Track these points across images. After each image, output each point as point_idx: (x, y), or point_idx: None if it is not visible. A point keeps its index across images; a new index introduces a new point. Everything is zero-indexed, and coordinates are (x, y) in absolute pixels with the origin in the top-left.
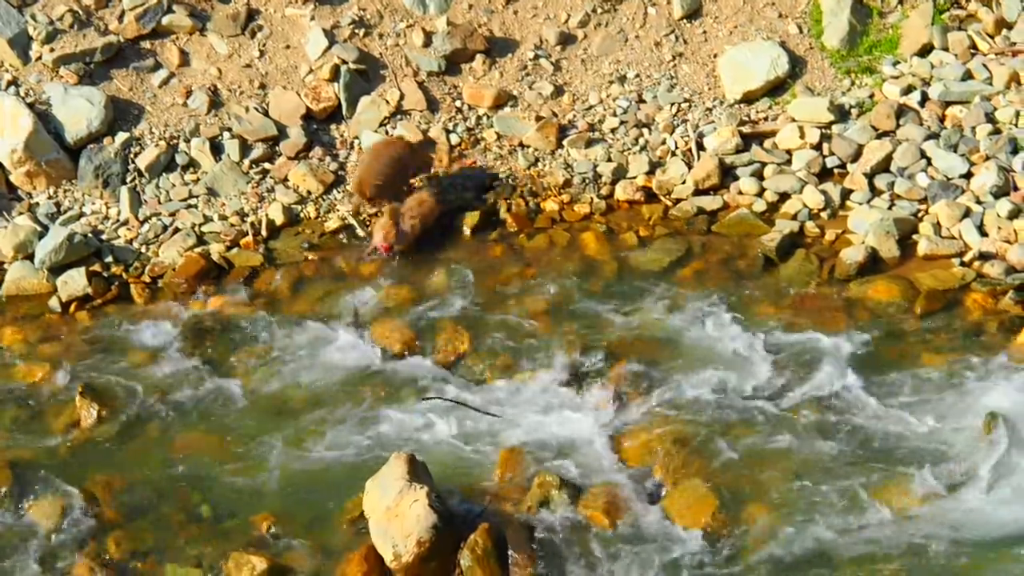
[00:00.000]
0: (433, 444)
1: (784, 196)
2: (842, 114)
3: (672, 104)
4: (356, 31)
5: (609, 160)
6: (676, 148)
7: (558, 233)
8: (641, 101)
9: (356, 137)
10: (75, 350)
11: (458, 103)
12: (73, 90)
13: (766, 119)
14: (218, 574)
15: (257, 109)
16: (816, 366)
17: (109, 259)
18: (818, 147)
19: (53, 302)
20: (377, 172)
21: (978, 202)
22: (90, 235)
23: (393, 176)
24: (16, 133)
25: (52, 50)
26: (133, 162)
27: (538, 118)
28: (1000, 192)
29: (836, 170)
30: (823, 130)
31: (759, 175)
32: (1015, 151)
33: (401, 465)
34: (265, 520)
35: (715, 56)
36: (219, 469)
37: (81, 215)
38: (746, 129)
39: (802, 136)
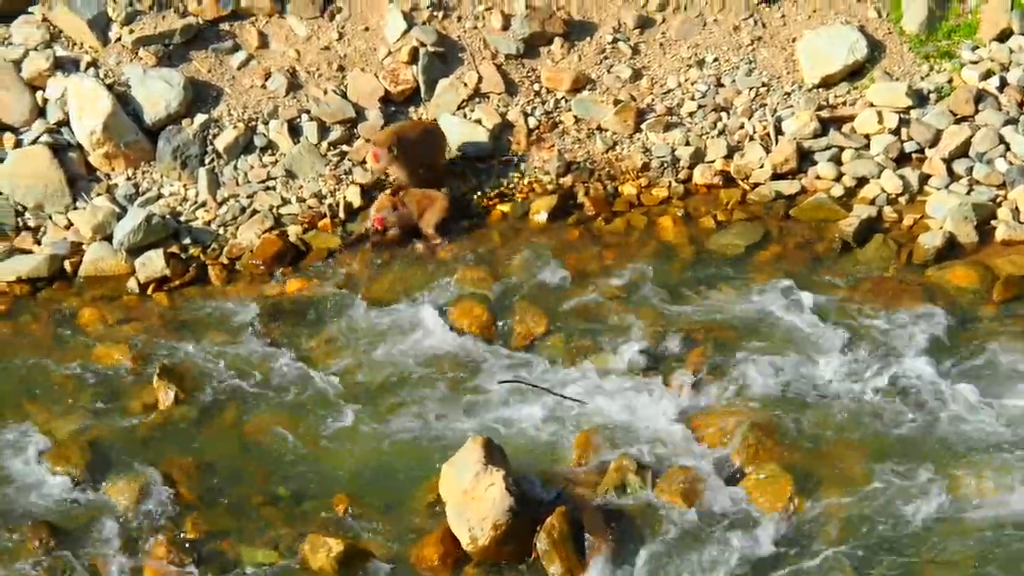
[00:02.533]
0: (510, 427)
1: (862, 181)
2: (920, 99)
3: (750, 88)
4: (435, 13)
5: (687, 144)
6: (754, 132)
7: (636, 217)
8: (719, 85)
9: (434, 119)
10: (153, 331)
11: (536, 86)
12: (152, 72)
13: (844, 103)
14: (295, 556)
15: (335, 91)
16: (893, 351)
17: (187, 240)
18: (896, 132)
19: (131, 283)
20: (406, 139)
21: None
22: (168, 216)
23: (417, 149)
24: (95, 115)
25: (131, 31)
26: (211, 144)
27: (616, 102)
28: None
29: (914, 155)
30: (901, 115)
31: (837, 160)
32: None
33: (478, 448)
34: (342, 502)
35: (794, 40)
36: (296, 451)
37: (159, 196)
38: (824, 113)
39: (880, 121)
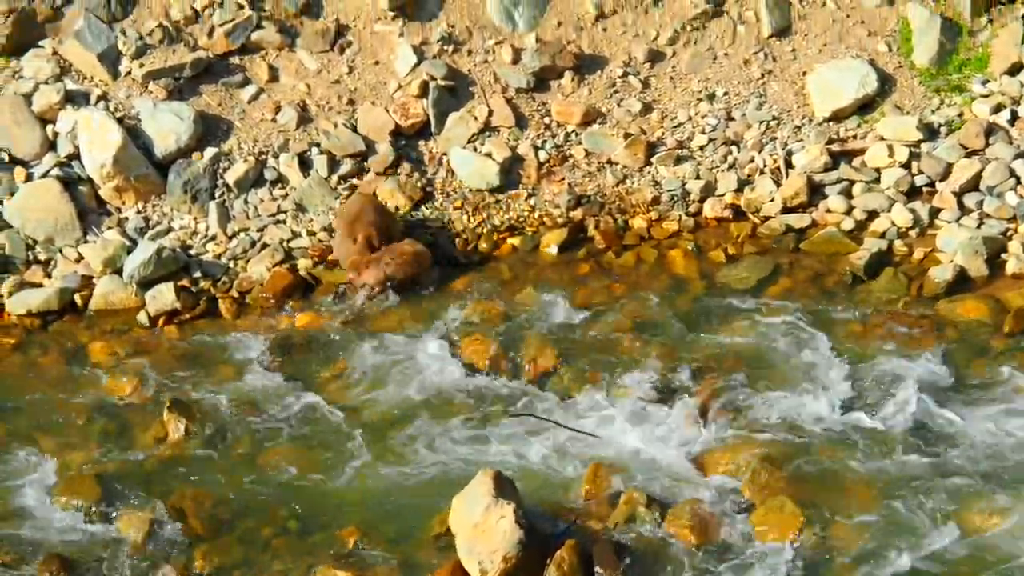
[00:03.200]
0: (519, 460)
1: (872, 214)
2: (931, 132)
3: (761, 122)
4: (445, 47)
5: (698, 177)
6: (765, 166)
7: (646, 250)
8: (730, 119)
9: (444, 153)
10: (163, 364)
11: (547, 120)
12: (162, 105)
13: (855, 137)
14: None
15: (346, 125)
16: (904, 385)
17: (197, 274)
18: (907, 165)
19: (142, 316)
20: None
21: None
22: (179, 250)
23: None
24: (106, 148)
25: (141, 65)
26: (222, 177)
27: (627, 135)
28: None
29: (925, 188)
30: (912, 148)
31: (847, 193)
32: None
33: (488, 481)
34: (352, 535)
35: (804, 74)
36: (306, 484)
37: (170, 230)
38: (835, 147)
39: (891, 154)
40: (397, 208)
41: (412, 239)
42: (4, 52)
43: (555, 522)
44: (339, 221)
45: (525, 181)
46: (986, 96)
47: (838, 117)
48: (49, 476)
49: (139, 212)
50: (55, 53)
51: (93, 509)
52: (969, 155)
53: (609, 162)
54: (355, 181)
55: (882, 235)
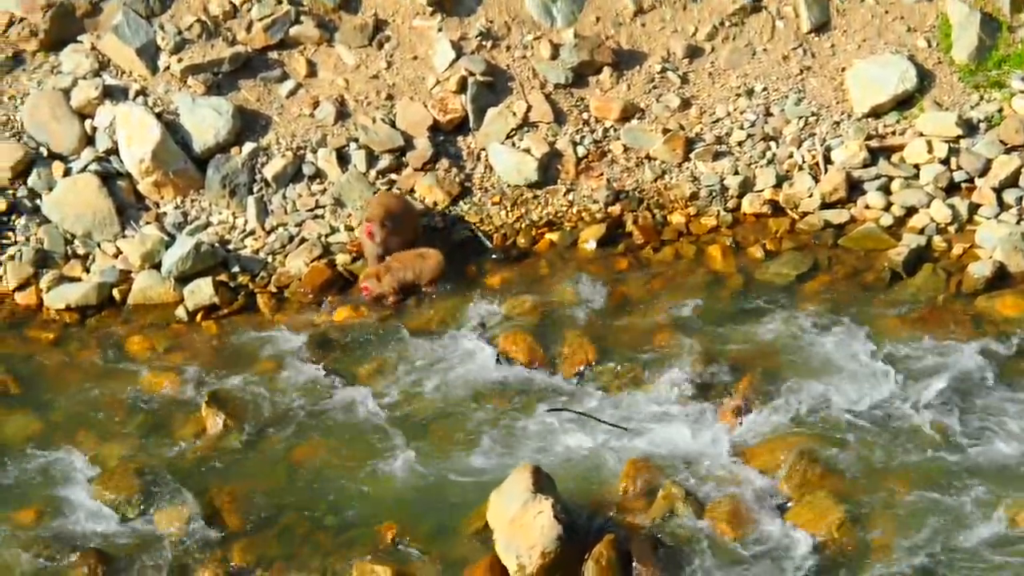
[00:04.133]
0: (558, 455)
1: (911, 210)
2: (970, 128)
3: (800, 117)
4: (483, 43)
5: (736, 173)
6: (803, 162)
7: (684, 246)
8: (768, 114)
9: (483, 149)
10: (201, 359)
11: (585, 115)
12: (201, 100)
13: (894, 133)
14: None
15: (384, 120)
16: (943, 380)
17: (236, 269)
18: (946, 161)
19: (180, 311)
20: (393, 214)
21: None
22: (217, 245)
23: (401, 222)
24: (144, 143)
25: (180, 60)
26: (260, 172)
27: (665, 131)
28: None
29: (964, 184)
30: (951, 144)
31: (886, 189)
32: None
33: (526, 476)
34: (389, 530)
35: (843, 70)
36: (343, 479)
37: (208, 224)
38: (874, 143)
39: (930, 150)
40: (435, 203)
41: (427, 243)
42: (43, 47)
43: (593, 517)
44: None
45: (563, 177)
46: None
47: (877, 113)
48: (87, 470)
49: (177, 207)
50: (94, 48)
51: (131, 503)
52: (1008, 151)
53: (647, 157)
54: (393, 176)
55: (921, 231)
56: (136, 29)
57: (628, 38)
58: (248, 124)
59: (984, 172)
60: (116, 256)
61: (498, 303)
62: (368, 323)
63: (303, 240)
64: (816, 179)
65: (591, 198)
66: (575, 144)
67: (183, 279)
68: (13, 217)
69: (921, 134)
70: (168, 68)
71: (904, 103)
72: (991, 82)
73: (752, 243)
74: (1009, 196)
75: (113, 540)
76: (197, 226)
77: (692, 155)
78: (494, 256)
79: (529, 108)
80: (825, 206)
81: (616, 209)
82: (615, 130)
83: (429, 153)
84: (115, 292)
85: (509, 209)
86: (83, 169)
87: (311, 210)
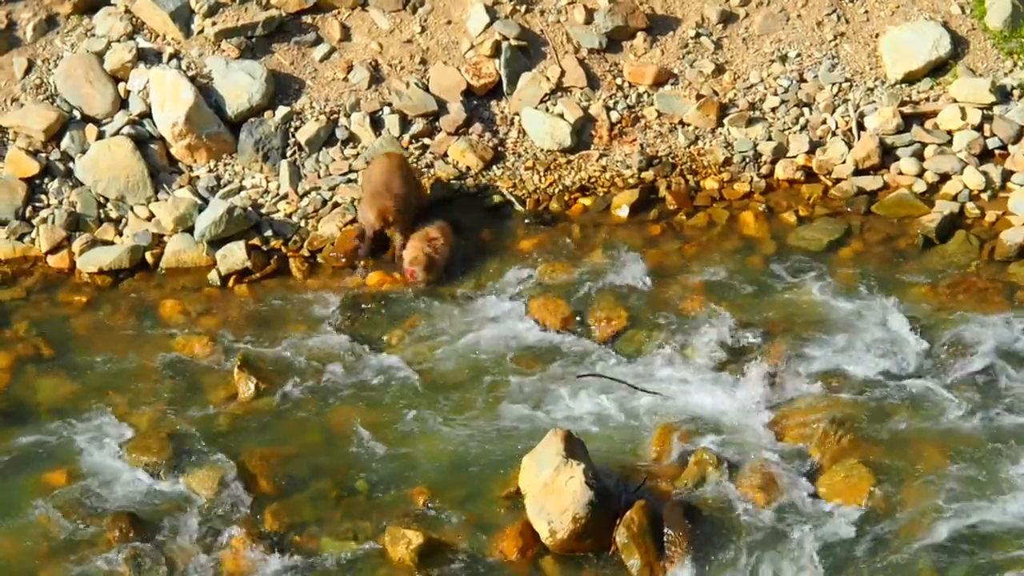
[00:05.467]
0: (589, 421)
1: (944, 177)
2: (1004, 95)
3: (833, 84)
4: (517, 7)
5: (769, 139)
6: (836, 128)
7: (717, 212)
8: (802, 80)
9: (516, 114)
10: (234, 323)
11: (619, 80)
12: (234, 64)
13: (927, 99)
14: (374, 548)
15: (417, 84)
16: (974, 348)
17: (268, 233)
18: (979, 128)
19: (212, 275)
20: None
21: None
22: (250, 209)
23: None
24: (177, 107)
25: (214, 23)
26: (293, 136)
27: (699, 96)
28: None
29: (997, 151)
30: (984, 111)
31: (919, 156)
32: None
33: (558, 441)
34: (421, 495)
35: (877, 36)
36: (375, 443)
37: (241, 188)
38: (907, 109)
39: (963, 117)
40: (468, 168)
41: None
42: (77, 10)
43: (625, 482)
44: (364, 186)
45: (597, 142)
46: None
47: (910, 79)
48: (120, 434)
49: (210, 171)
50: (127, 11)
51: (163, 467)
52: None
53: (681, 123)
54: (426, 141)
55: (954, 198)
56: None
57: (662, 3)
58: (281, 88)
59: (1017, 139)
60: (149, 219)
61: (531, 268)
62: (400, 288)
63: (336, 204)
64: (849, 145)
65: (624, 163)
66: (608, 109)
67: (216, 243)
68: (46, 180)
69: (954, 100)
70: (202, 31)
71: (938, 69)
72: None
73: (785, 209)
74: None
75: (145, 503)
76: (230, 190)
77: (725, 121)
78: (527, 221)
79: (563, 73)
80: (858, 172)
81: (649, 175)
82: (648, 95)
83: (462, 118)
84: (148, 256)
85: (542, 174)
86: (116, 132)
87: (344, 174)
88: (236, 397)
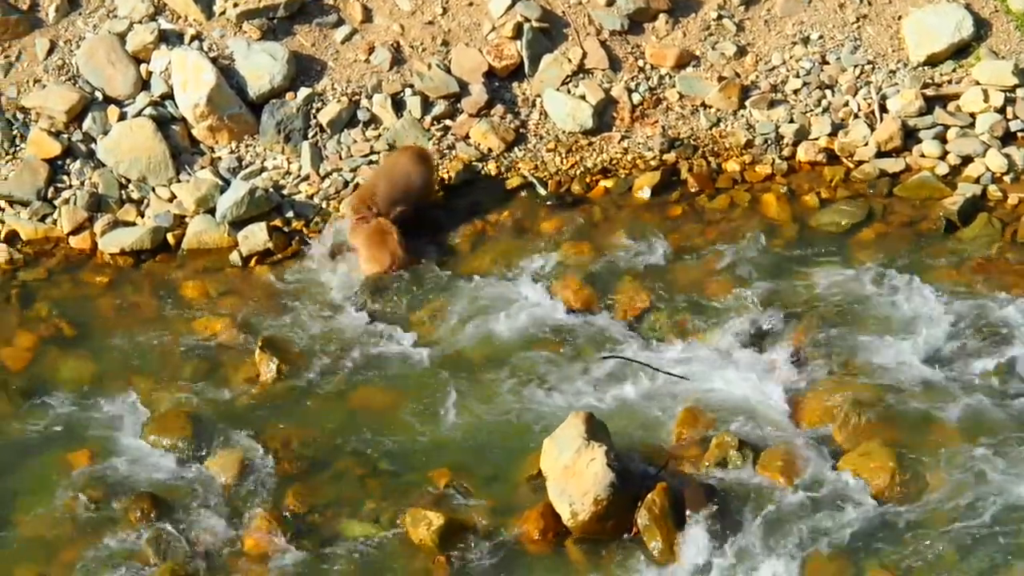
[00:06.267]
0: (611, 402)
1: (967, 159)
2: None
3: (855, 66)
4: None
5: (791, 121)
6: (859, 110)
7: (739, 194)
8: (824, 63)
9: (538, 95)
10: (255, 304)
11: (640, 63)
12: (256, 45)
13: (950, 82)
14: (395, 529)
15: (439, 66)
16: (997, 331)
17: (290, 214)
18: (1002, 110)
19: (234, 256)
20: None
21: None
22: (271, 190)
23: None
24: (199, 88)
25: (236, 5)
26: (315, 117)
27: (720, 78)
28: None
29: (1020, 134)
30: (1007, 93)
31: (942, 138)
32: None
33: (579, 423)
34: (443, 476)
35: (899, 18)
36: (397, 425)
37: (263, 170)
38: (929, 92)
39: (986, 99)
40: (490, 149)
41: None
42: None
43: (646, 464)
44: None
45: (618, 124)
46: None
47: (933, 62)
48: (141, 415)
49: (232, 152)
50: None
51: (184, 448)
52: None
53: (703, 105)
54: (448, 122)
55: (976, 180)
56: None
57: None
58: (303, 69)
59: None
60: (170, 200)
61: (552, 249)
62: (422, 269)
63: (357, 185)
64: (871, 128)
65: (646, 145)
66: (630, 91)
67: (237, 224)
68: (68, 161)
69: (977, 83)
70: (223, 13)
71: (960, 52)
72: None
73: (807, 191)
74: None
75: (166, 484)
76: (252, 171)
77: (747, 103)
78: (548, 203)
79: (584, 55)
80: (880, 155)
81: (671, 157)
82: (670, 77)
83: (484, 99)
84: (169, 237)
85: (564, 156)
86: (138, 113)
87: (365, 156)
88: (258, 378)
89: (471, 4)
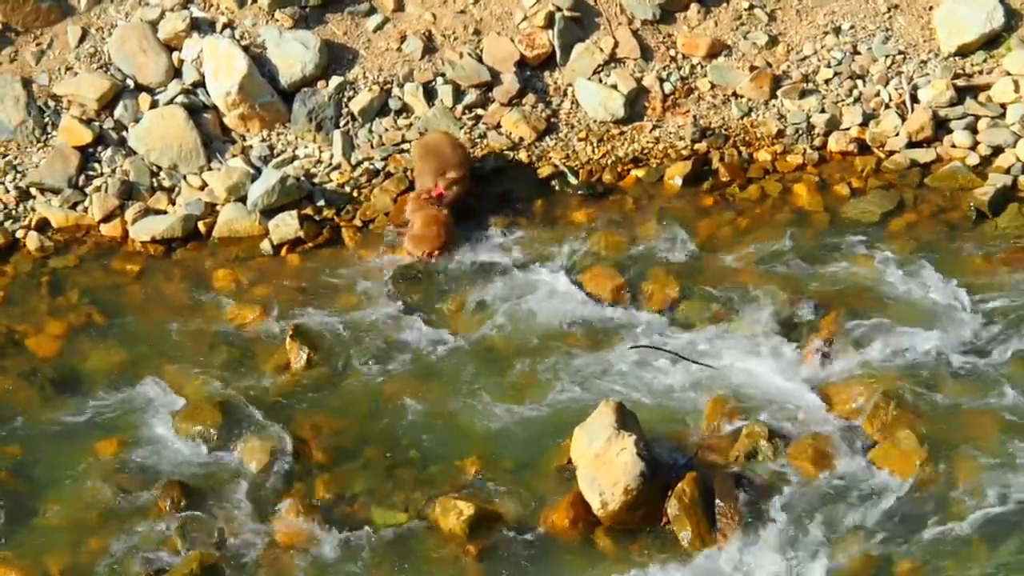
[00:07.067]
0: (641, 392)
1: (998, 150)
2: None
3: (887, 56)
4: None
5: (823, 111)
6: (890, 100)
7: (770, 184)
8: (856, 53)
9: (570, 85)
10: (286, 293)
11: (672, 52)
12: (288, 34)
13: (981, 72)
14: (425, 519)
15: (471, 55)
16: None
17: (321, 203)
18: None
19: (265, 244)
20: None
21: None
22: (302, 178)
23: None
24: (231, 76)
25: None
26: (346, 106)
27: (752, 68)
28: None
29: None
30: None
31: (973, 128)
32: None
33: (609, 413)
34: (472, 465)
35: (931, 8)
36: (427, 414)
37: (294, 158)
38: (960, 82)
39: (1017, 90)
40: (521, 138)
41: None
42: None
43: (677, 454)
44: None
45: (650, 113)
46: None
47: (964, 52)
48: (171, 403)
49: (263, 140)
50: None
51: (215, 436)
52: None
53: (734, 95)
54: (480, 111)
55: (1007, 170)
56: None
57: None
58: (335, 58)
59: None
60: (202, 188)
61: (583, 239)
62: (453, 258)
63: (389, 174)
64: (902, 118)
65: (677, 135)
66: (661, 81)
67: (268, 212)
68: (99, 149)
69: (1008, 73)
70: (255, 1)
71: (991, 42)
72: None
73: (838, 181)
74: None
75: (196, 472)
76: (283, 159)
77: (779, 92)
78: (580, 192)
79: (616, 44)
80: (911, 145)
81: (702, 146)
82: (702, 67)
83: (516, 88)
84: (200, 225)
85: (595, 145)
86: (170, 101)
87: (397, 144)
88: (288, 367)
89: None
